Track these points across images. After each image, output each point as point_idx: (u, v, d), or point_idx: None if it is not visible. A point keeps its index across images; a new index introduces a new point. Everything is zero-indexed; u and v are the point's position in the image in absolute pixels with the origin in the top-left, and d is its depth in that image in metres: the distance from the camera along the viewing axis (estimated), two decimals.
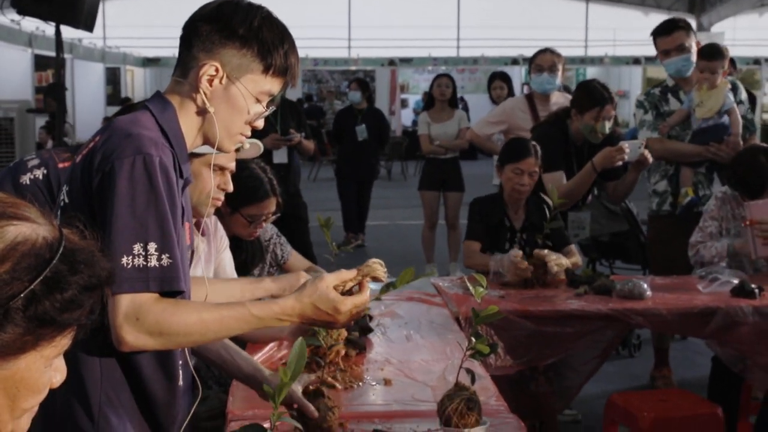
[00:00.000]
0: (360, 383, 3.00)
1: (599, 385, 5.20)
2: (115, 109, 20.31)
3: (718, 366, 4.60)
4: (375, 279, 2.18)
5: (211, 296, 2.64)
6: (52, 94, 8.06)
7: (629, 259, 6.69)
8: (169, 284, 1.97)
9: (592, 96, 5.41)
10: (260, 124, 2.18)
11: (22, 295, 1.19)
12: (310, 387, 2.49)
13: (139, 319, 1.94)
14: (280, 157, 7.41)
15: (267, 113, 2.16)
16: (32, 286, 1.19)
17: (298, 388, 2.46)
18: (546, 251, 4.51)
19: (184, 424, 2.22)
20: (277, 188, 3.78)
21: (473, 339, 2.48)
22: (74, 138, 13.97)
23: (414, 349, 3.41)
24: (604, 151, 5.22)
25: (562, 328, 3.96)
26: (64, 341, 1.27)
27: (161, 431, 2.16)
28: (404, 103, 25.70)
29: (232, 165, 3.00)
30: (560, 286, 4.47)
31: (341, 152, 10.71)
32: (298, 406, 2.39)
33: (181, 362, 2.16)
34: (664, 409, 3.73)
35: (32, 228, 1.24)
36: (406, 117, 25.08)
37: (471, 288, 2.51)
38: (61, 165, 3.13)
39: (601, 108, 5.35)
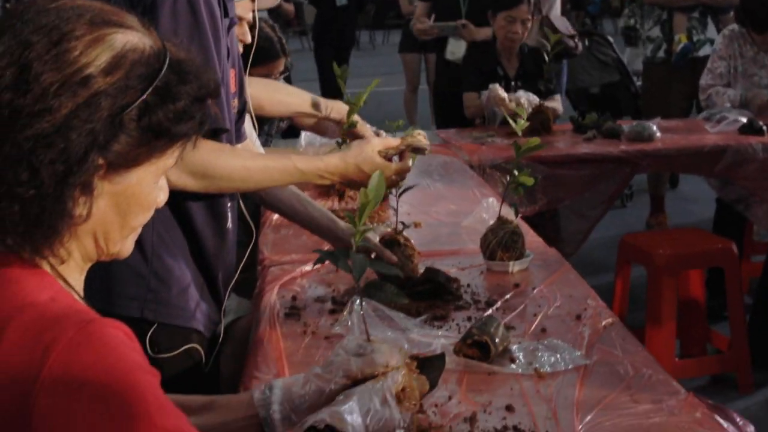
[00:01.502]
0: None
1: (595, 232, 5.25)
2: None
3: (723, 207, 4.65)
4: (416, 150, 2.15)
5: (279, 96, 2.72)
6: None
7: (620, 111, 6.68)
8: (213, 121, 1.91)
9: None
10: None
11: (135, 105, 1.15)
12: (384, 237, 2.42)
13: (183, 158, 1.89)
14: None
15: None
16: (145, 96, 1.16)
17: (375, 237, 2.42)
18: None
19: (239, 269, 2.20)
20: (287, 47, 3.72)
21: (516, 172, 2.45)
22: None
23: (436, 194, 3.38)
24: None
25: (576, 171, 3.97)
26: (175, 153, 1.24)
27: (211, 274, 2.12)
28: None
29: (250, 16, 2.90)
30: (566, 133, 4.46)
31: (319, 18, 10.44)
32: (376, 253, 2.33)
33: (230, 204, 2.12)
34: (679, 246, 3.75)
35: (138, 36, 1.20)
36: None
37: (510, 122, 2.47)
38: None
39: None
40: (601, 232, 5.46)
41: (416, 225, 2.98)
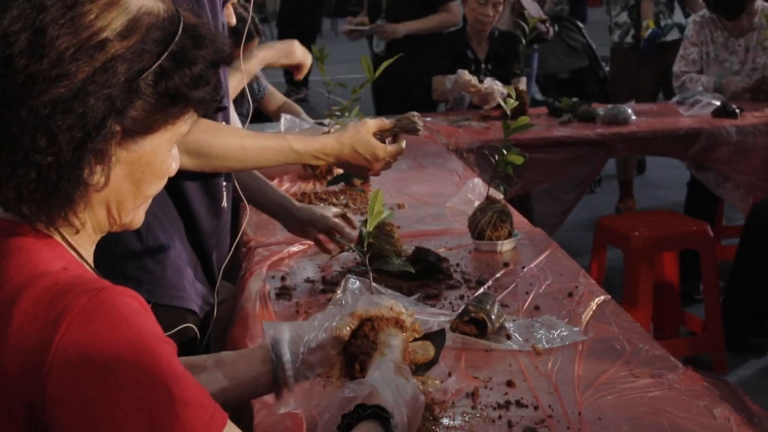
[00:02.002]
0: None
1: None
2: None
3: (694, 191, 4.69)
4: (410, 131, 2.14)
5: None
6: None
7: (588, 97, 6.71)
8: None
9: None
10: None
11: (151, 69, 1.14)
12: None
13: None
14: None
15: None
16: (161, 60, 1.14)
17: (328, 215, 2.41)
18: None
19: (232, 249, 2.17)
20: (260, 27, 3.71)
21: (504, 152, 2.45)
22: None
23: (417, 177, 3.37)
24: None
25: (552, 155, 3.98)
26: (190, 120, 1.23)
27: (206, 254, 2.10)
28: None
29: None
30: (540, 116, 4.48)
31: (284, 5, 10.44)
32: (338, 231, 2.34)
33: (225, 184, 2.09)
34: (655, 228, 3.78)
35: (152, 0, 1.18)
36: None
37: (501, 102, 2.47)
38: None
39: None
40: (572, 217, 5.48)
41: (400, 206, 2.97)
